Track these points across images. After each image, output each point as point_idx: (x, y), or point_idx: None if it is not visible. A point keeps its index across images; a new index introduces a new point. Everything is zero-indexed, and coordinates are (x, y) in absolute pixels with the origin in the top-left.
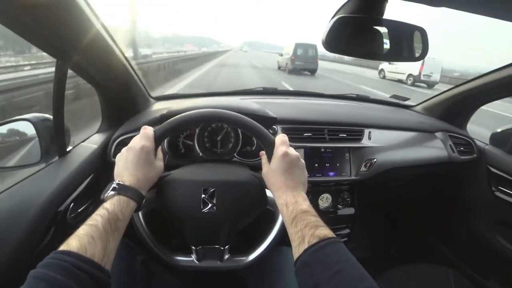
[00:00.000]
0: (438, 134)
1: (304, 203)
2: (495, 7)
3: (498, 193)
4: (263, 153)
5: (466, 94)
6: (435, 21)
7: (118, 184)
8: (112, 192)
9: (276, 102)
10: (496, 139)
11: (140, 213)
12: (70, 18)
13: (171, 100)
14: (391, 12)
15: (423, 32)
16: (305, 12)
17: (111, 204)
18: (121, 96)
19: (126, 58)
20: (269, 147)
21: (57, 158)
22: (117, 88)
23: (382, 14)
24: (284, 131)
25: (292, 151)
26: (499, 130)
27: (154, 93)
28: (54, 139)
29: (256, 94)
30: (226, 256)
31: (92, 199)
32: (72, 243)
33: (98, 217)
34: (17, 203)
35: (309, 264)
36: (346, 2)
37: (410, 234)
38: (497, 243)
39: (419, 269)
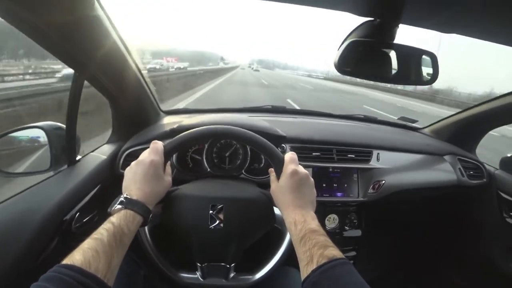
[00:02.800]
0: (447, 157)
1: (313, 222)
2: (504, 34)
3: (509, 220)
4: (271, 170)
5: (475, 117)
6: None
7: (125, 198)
8: (119, 206)
9: (284, 120)
10: (507, 163)
11: (145, 227)
12: (93, 34)
13: (181, 115)
14: (404, 36)
15: (433, 57)
16: (320, 29)
17: (118, 218)
18: (132, 108)
19: (140, 71)
20: (278, 165)
21: (66, 166)
22: (129, 100)
23: (393, 39)
24: (293, 149)
25: (301, 169)
26: (509, 155)
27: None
28: (65, 147)
29: (265, 111)
30: (232, 274)
31: (97, 209)
32: (76, 257)
33: (103, 231)
34: (24, 209)
35: (317, 284)
36: (357, 27)
37: (419, 258)
38: (509, 271)
39: None
